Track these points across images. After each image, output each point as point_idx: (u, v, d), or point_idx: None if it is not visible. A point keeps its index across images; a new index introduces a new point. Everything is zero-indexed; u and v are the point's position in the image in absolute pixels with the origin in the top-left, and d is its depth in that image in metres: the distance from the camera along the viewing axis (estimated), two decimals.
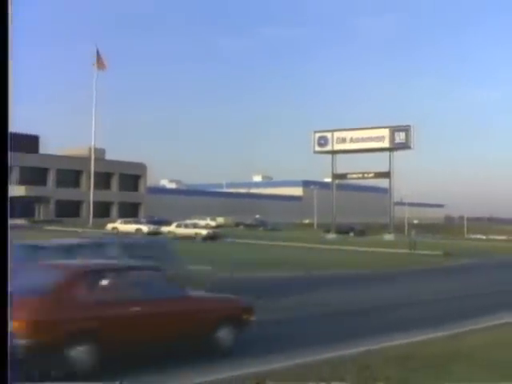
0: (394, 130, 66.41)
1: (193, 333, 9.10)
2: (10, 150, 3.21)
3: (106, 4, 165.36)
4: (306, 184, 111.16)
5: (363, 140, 67.67)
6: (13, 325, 7.06)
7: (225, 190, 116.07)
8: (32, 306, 7.63)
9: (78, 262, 10.30)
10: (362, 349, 9.57)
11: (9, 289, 3.17)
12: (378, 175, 69.88)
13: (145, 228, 51.92)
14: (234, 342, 9.43)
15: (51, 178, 70.37)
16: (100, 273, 8.67)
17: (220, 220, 75.65)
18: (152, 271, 9.53)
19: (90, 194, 65.69)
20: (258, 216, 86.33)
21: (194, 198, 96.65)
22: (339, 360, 8.58)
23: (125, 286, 8.61)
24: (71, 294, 8.03)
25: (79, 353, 7.61)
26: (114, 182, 76.27)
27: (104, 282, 8.41)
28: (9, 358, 3.04)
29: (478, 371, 8.05)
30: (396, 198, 76.96)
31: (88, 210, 65.80)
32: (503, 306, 16.19)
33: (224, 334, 9.35)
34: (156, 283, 9.08)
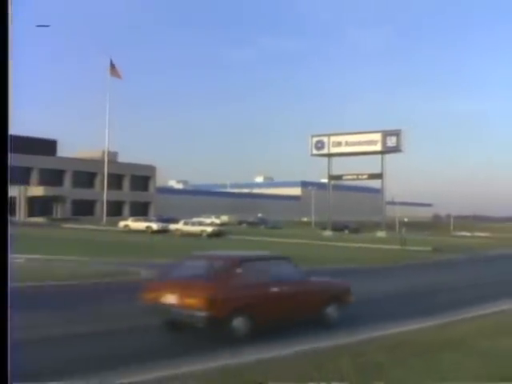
0: (385, 134, 66.30)
1: (310, 309, 10.62)
2: (11, 152, 3.01)
3: (116, 11, 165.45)
4: (304, 185, 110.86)
5: (357, 144, 67.46)
6: (194, 302, 9.00)
7: (229, 190, 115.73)
8: (209, 288, 9.23)
9: (229, 252, 12.81)
10: (357, 338, 9.43)
11: (9, 287, 2.97)
12: (371, 176, 69.70)
13: (154, 225, 51.88)
14: (338, 318, 10.87)
15: (68, 179, 70.43)
16: (249, 261, 10.37)
17: (224, 218, 75.38)
18: (282, 260, 11.19)
19: (103, 194, 65.62)
20: (259, 214, 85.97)
21: (200, 197, 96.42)
22: (335, 349, 8.39)
23: (265, 271, 10.09)
24: (233, 278, 9.60)
25: (239, 323, 9.17)
26: (126, 183, 76.21)
27: (252, 268, 9.95)
28: (9, 357, 2.85)
29: (467, 357, 7.92)
30: (388, 197, 76.66)
31: (102, 209, 65.77)
32: (489, 296, 16.12)
33: (331, 311, 10.88)
34: (285, 269, 10.58)
